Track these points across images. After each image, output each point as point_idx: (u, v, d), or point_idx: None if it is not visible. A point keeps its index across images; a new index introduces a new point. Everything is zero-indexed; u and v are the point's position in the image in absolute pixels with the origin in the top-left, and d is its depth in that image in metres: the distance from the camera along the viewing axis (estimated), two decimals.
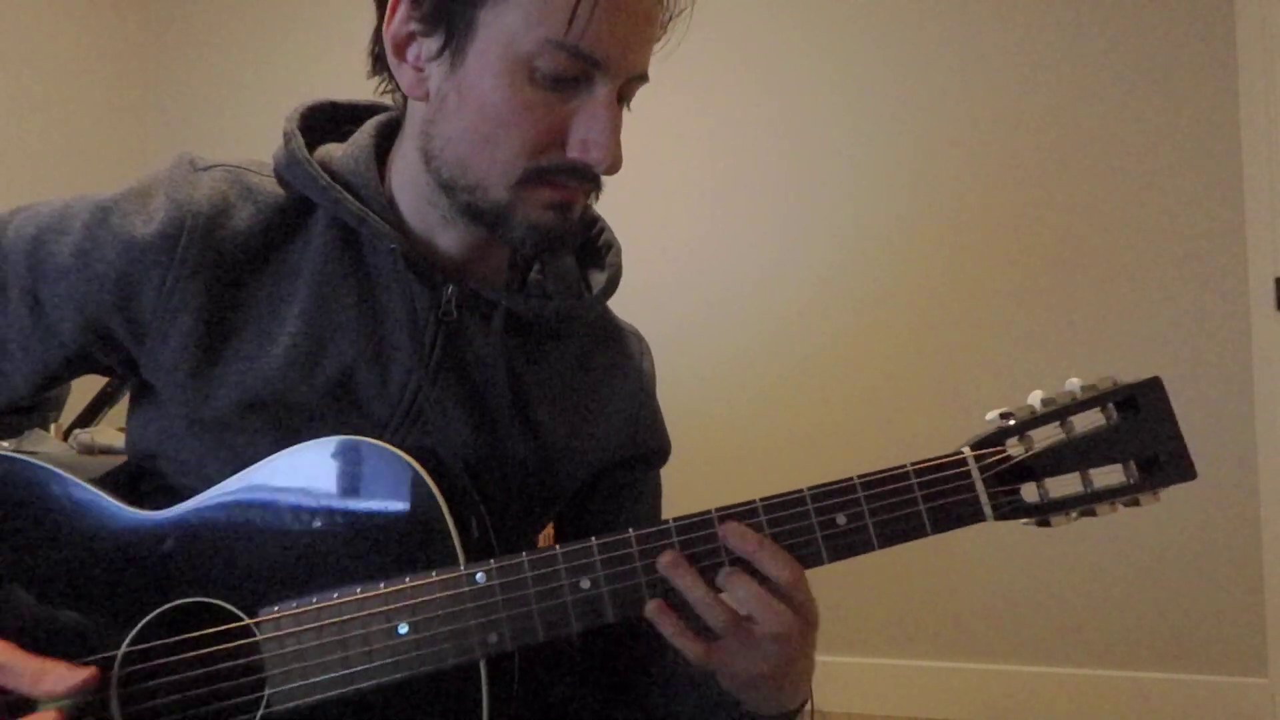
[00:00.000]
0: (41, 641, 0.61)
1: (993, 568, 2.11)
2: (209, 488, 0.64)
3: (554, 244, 0.68)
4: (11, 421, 0.75)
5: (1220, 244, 2.03)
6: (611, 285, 0.78)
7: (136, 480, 0.71)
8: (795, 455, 2.23)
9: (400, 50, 0.65)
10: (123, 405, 1.65)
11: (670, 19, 0.66)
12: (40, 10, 2.35)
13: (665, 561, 0.59)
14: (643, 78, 0.65)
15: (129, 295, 0.64)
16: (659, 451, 0.85)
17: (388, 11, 0.64)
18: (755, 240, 2.29)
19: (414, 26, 0.63)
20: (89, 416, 1.67)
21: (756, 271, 2.29)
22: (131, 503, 0.64)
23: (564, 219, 0.66)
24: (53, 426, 1.66)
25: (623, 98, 0.65)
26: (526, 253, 0.71)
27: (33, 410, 0.78)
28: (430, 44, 0.63)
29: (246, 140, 2.59)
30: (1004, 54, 2.16)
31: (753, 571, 0.59)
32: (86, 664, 0.59)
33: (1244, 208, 2.01)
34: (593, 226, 0.82)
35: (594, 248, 0.81)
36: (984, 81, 2.17)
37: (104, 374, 0.72)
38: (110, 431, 1.72)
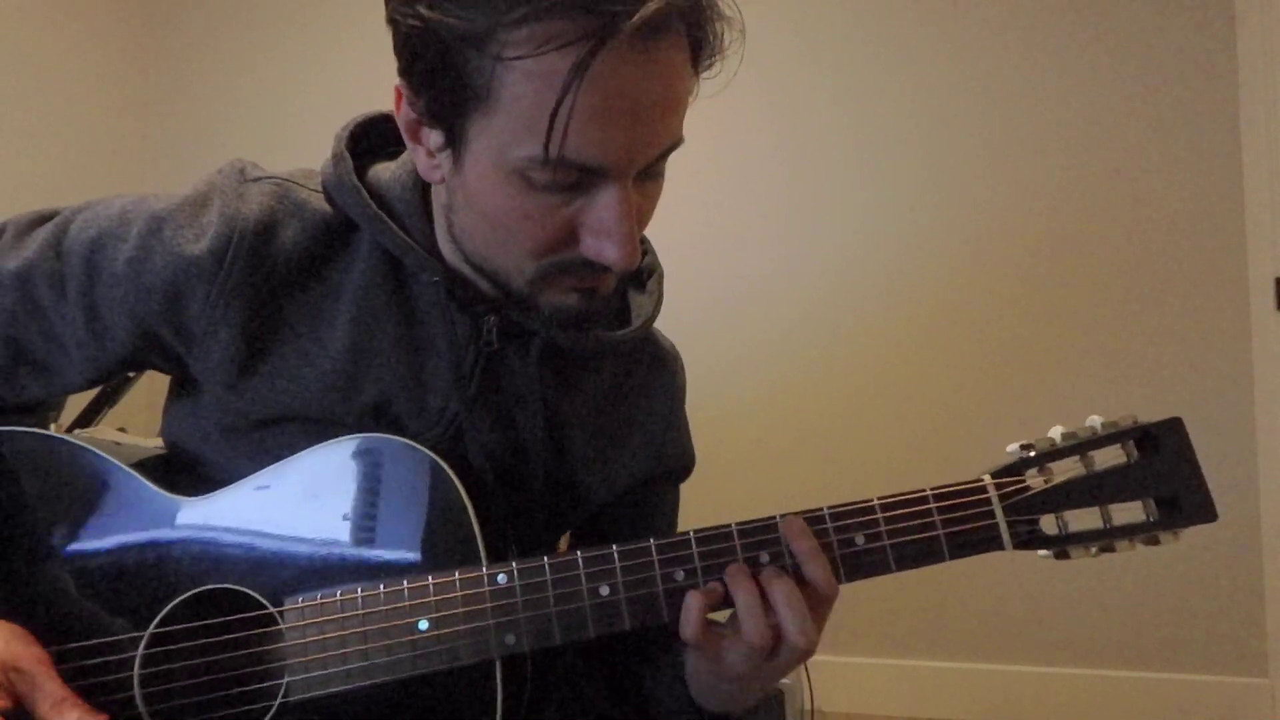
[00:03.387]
0: (71, 617, 0.63)
1: (992, 568, 2.11)
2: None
3: (583, 324, 0.68)
4: (14, 420, 0.75)
5: (1220, 244, 2.02)
6: (653, 314, 0.77)
7: (172, 467, 0.73)
8: (803, 460, 2.24)
9: (413, 135, 0.63)
10: (122, 405, 1.65)
11: (710, 64, 0.60)
12: (39, 10, 2.35)
13: (731, 570, 0.60)
14: (671, 149, 0.60)
15: (176, 307, 0.65)
16: (682, 469, 0.85)
17: (395, 97, 0.62)
18: (763, 249, 2.29)
19: (418, 117, 0.61)
20: (89, 416, 1.67)
21: (768, 280, 2.29)
22: (167, 488, 0.66)
23: (590, 302, 0.64)
24: (53, 426, 1.66)
25: (651, 175, 0.61)
26: (556, 335, 0.70)
27: (34, 409, 0.79)
28: (436, 136, 0.61)
29: (248, 140, 2.59)
30: (1004, 53, 2.16)
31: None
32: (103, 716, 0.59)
33: (1244, 208, 2.01)
34: None
35: (637, 269, 0.79)
36: (982, 82, 2.17)
37: (157, 370, 0.74)
38: (110, 431, 1.71)
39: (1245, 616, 1.99)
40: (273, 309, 0.67)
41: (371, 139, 0.73)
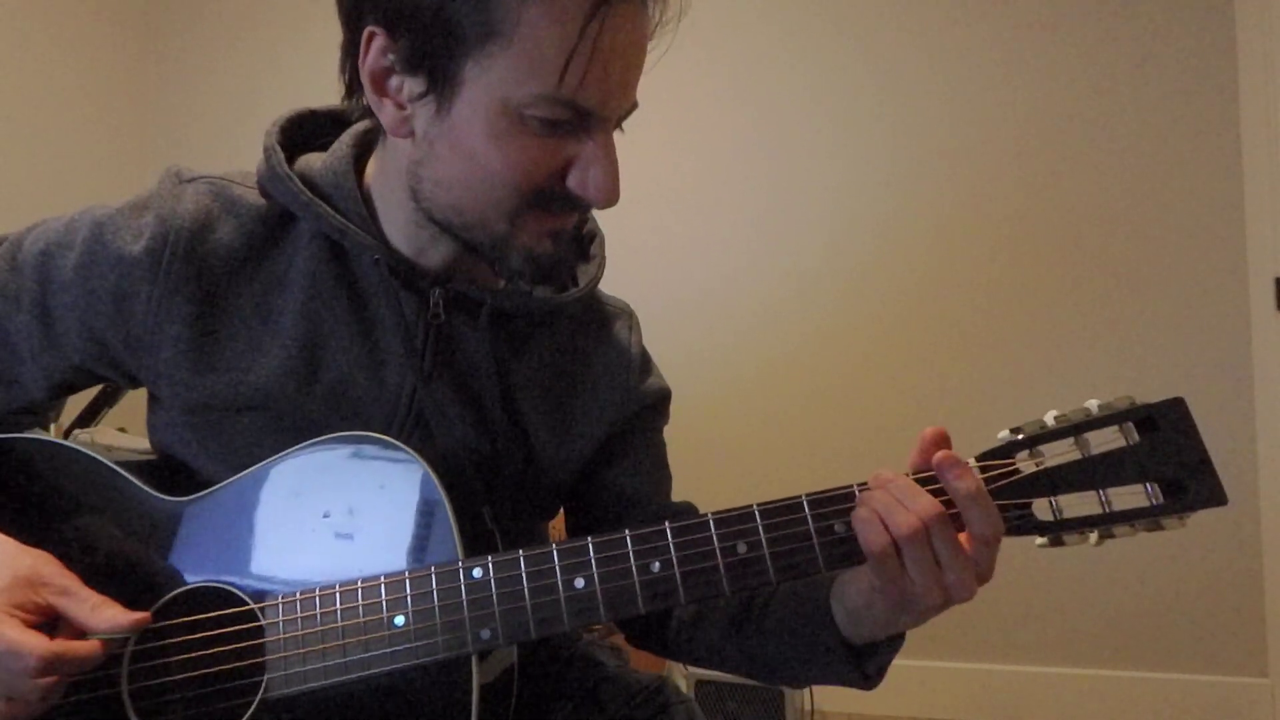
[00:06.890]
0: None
1: None
2: (221, 481, 0.67)
3: (550, 273, 0.69)
4: (18, 421, 0.78)
5: (1220, 244, 2.02)
6: (596, 275, 0.80)
7: (163, 470, 0.74)
8: (784, 448, 2.23)
9: (379, 85, 0.63)
10: (122, 405, 1.65)
11: (657, 27, 0.64)
12: (36, 27, 2.35)
13: (942, 458, 0.58)
14: (632, 108, 0.65)
15: (123, 309, 0.67)
16: (656, 401, 0.84)
17: (362, 45, 0.62)
18: (740, 238, 2.29)
19: (392, 63, 0.61)
20: (89, 417, 1.67)
21: (748, 268, 2.29)
22: (157, 489, 0.68)
23: (559, 245, 0.67)
24: (53, 427, 1.66)
25: (615, 125, 0.66)
26: (524, 284, 0.71)
27: (37, 411, 0.80)
28: (412, 84, 0.61)
29: (246, 153, 2.59)
30: (1005, 50, 2.16)
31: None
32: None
33: (1244, 208, 2.01)
34: None
35: (578, 237, 0.82)
36: (981, 80, 2.17)
37: (108, 381, 0.75)
38: (110, 432, 1.71)
39: (1245, 616, 1.99)
40: (219, 302, 0.68)
41: (302, 133, 0.74)
